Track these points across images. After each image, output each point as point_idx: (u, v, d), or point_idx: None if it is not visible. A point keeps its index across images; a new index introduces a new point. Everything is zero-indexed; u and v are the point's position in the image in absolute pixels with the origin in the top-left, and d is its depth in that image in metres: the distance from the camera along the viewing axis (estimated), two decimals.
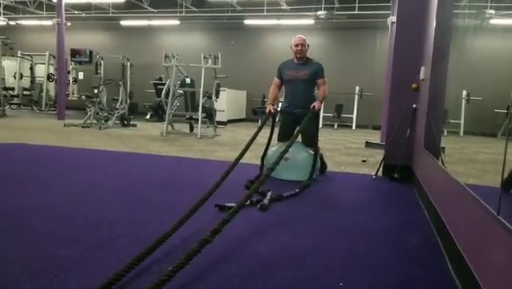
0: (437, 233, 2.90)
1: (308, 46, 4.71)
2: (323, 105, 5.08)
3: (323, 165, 5.03)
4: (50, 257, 2.19)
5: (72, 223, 2.81)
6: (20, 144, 6.76)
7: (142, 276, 2.01)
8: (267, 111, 4.69)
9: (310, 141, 4.67)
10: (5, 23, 16.66)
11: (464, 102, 11.21)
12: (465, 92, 11.06)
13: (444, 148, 4.26)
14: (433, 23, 4.13)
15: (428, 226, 3.12)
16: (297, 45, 4.62)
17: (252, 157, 5.60)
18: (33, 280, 1.93)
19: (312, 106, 4.52)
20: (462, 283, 2.08)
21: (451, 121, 10.54)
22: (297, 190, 3.99)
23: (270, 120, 4.80)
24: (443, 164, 3.57)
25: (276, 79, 4.83)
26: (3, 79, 12.99)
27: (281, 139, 4.81)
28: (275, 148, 4.72)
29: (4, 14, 16.37)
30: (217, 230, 2.22)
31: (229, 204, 3.25)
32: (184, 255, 2.00)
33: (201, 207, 2.89)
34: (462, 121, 11.14)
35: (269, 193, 3.63)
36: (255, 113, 13.63)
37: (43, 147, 6.57)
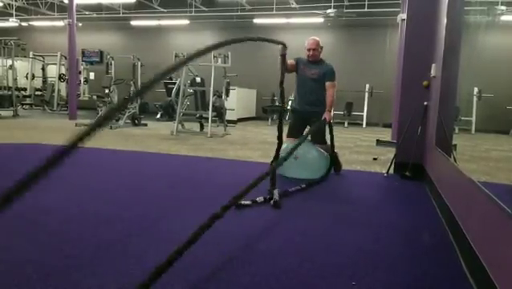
0: (450, 230, 2.88)
1: (322, 48, 4.72)
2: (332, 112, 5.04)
3: (338, 164, 5.04)
4: (63, 256, 2.21)
5: (85, 222, 2.84)
6: (33, 143, 6.83)
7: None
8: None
9: (319, 138, 4.69)
10: (17, 24, 16.84)
11: (475, 99, 11.12)
12: (476, 89, 10.97)
13: (456, 145, 4.24)
14: (444, 20, 4.10)
15: (440, 224, 3.11)
16: (309, 50, 4.66)
17: (260, 156, 5.62)
18: (46, 279, 1.94)
19: (323, 118, 4.55)
20: (476, 281, 2.07)
21: (462, 118, 10.47)
22: (303, 186, 4.01)
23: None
24: (455, 161, 3.55)
25: (292, 60, 4.68)
26: (15, 79, 13.13)
27: (290, 135, 4.84)
28: (285, 144, 4.73)
29: (16, 15, 16.55)
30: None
31: (245, 202, 3.28)
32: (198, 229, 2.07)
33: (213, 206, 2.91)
34: (474, 118, 11.05)
35: (275, 192, 3.58)
36: (265, 112, 13.63)
37: (55, 147, 6.63)
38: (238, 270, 2.12)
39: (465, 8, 4.29)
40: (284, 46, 3.84)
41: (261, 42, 17.12)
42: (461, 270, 2.26)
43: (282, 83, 3.91)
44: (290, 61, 4.63)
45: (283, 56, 3.96)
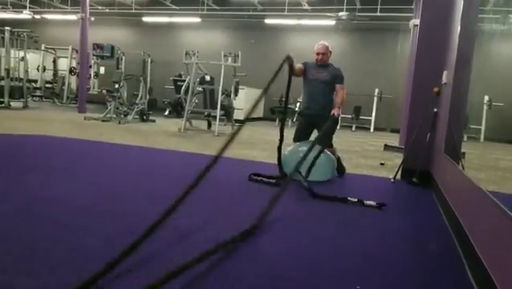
0: (456, 238, 2.86)
1: (331, 52, 4.72)
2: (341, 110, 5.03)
3: (341, 168, 5.02)
4: (69, 248, 2.22)
5: (92, 215, 2.84)
6: (42, 135, 6.88)
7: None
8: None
9: (327, 141, 4.70)
10: (30, 17, 16.97)
11: (485, 107, 11.04)
12: (486, 98, 10.89)
13: (464, 153, 4.21)
14: (458, 27, 4.08)
15: (446, 232, 3.09)
16: (318, 54, 4.67)
17: (266, 156, 5.62)
18: (52, 271, 1.94)
19: (332, 113, 4.51)
20: None
21: (471, 126, 10.39)
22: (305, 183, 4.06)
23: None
24: (463, 169, 3.53)
25: (300, 65, 4.63)
26: (27, 71, 13.23)
27: (297, 139, 4.83)
28: (290, 147, 4.73)
29: (30, 7, 16.67)
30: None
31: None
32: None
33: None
34: (483, 127, 10.97)
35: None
36: (273, 112, 13.62)
37: (64, 139, 6.68)
38: (243, 271, 2.12)
39: (480, 16, 4.26)
40: (289, 57, 3.73)
41: (270, 43, 17.05)
42: (466, 278, 2.24)
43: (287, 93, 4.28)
44: (298, 65, 4.61)
45: (290, 66, 3.92)
